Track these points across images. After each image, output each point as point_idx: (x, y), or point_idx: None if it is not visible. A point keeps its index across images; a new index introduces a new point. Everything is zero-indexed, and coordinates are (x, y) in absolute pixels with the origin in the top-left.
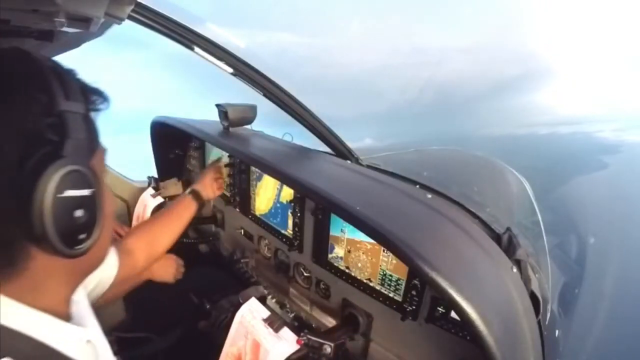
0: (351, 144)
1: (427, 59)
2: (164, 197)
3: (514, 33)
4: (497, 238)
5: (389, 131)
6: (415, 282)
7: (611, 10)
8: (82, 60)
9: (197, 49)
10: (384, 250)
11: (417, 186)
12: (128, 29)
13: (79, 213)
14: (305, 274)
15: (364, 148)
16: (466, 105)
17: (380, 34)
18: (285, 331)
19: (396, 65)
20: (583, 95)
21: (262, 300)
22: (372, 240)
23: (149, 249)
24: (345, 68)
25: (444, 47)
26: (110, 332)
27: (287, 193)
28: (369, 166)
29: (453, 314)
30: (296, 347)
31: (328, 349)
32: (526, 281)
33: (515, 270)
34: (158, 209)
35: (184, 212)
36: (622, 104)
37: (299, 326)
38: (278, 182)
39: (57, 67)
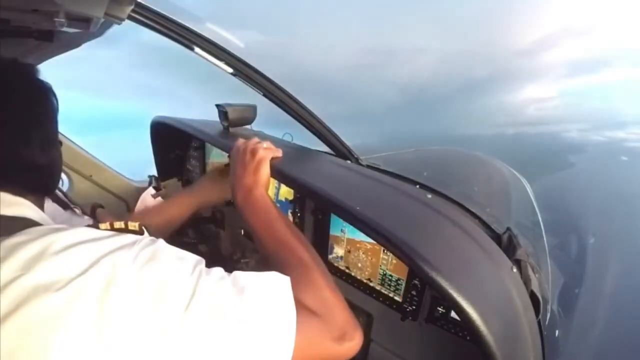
0: (318, 145)
1: (396, 60)
2: (164, 198)
3: (482, 35)
4: (497, 238)
5: (357, 131)
6: (415, 282)
7: (577, 14)
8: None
9: (197, 49)
10: (384, 250)
11: (417, 186)
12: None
13: None
14: None
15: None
16: (434, 106)
17: (348, 34)
18: None
19: (365, 65)
20: (549, 96)
21: None
22: (372, 240)
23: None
24: (312, 68)
25: (412, 48)
26: None
27: (286, 190)
28: (369, 166)
29: (453, 314)
30: None
31: None
32: (526, 281)
33: (515, 270)
34: None
35: (187, 210)
36: (587, 103)
37: None
38: (275, 181)
39: None
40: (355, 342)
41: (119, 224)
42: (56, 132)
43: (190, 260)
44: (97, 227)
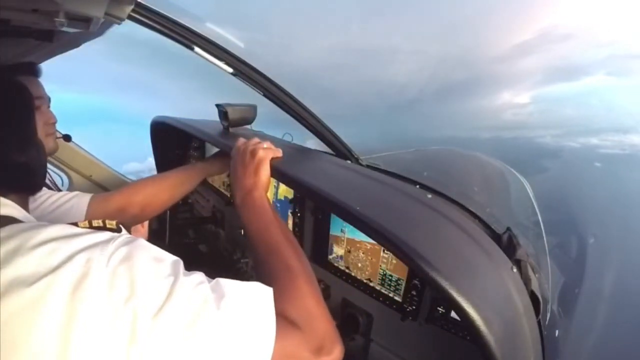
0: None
1: (375, 60)
2: None
3: (462, 40)
4: (497, 238)
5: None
6: (415, 282)
7: (554, 22)
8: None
9: (197, 49)
10: (384, 250)
11: (417, 186)
12: None
13: None
14: None
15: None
16: (411, 107)
17: (326, 32)
18: None
19: (342, 64)
20: (525, 102)
21: None
22: (372, 241)
23: (145, 202)
24: (288, 66)
25: (391, 49)
26: None
27: (285, 189)
28: (369, 166)
29: (453, 314)
30: None
31: None
32: (526, 281)
33: (515, 270)
34: None
35: (190, 180)
36: (562, 110)
37: None
38: (274, 180)
39: None
40: (333, 357)
41: (97, 222)
42: (33, 129)
43: (168, 261)
44: (76, 225)
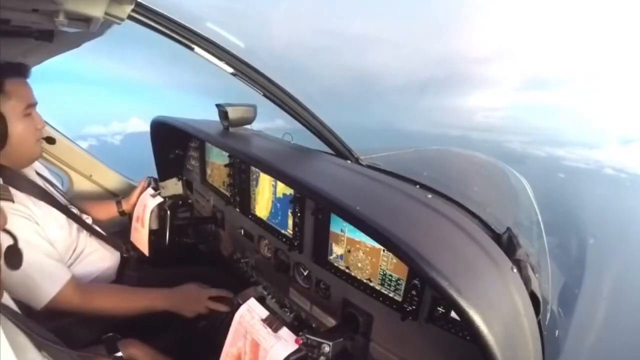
0: (263, 124)
1: (350, 46)
2: (164, 197)
3: (444, 37)
4: (497, 238)
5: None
6: (415, 282)
7: (537, 33)
8: None
9: (197, 49)
10: (384, 250)
11: (417, 186)
12: None
13: None
14: (305, 274)
15: (274, 128)
16: (384, 98)
17: (302, 13)
18: (284, 331)
19: (317, 47)
20: (498, 107)
21: (261, 300)
22: (372, 241)
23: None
24: (264, 41)
25: (370, 37)
26: (109, 331)
27: (283, 186)
28: (369, 166)
29: (453, 314)
30: (295, 346)
31: (327, 347)
32: (526, 281)
33: (515, 270)
34: (158, 209)
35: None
36: (533, 119)
37: (299, 326)
38: (273, 179)
39: None
40: None
41: None
42: None
43: None
44: None
